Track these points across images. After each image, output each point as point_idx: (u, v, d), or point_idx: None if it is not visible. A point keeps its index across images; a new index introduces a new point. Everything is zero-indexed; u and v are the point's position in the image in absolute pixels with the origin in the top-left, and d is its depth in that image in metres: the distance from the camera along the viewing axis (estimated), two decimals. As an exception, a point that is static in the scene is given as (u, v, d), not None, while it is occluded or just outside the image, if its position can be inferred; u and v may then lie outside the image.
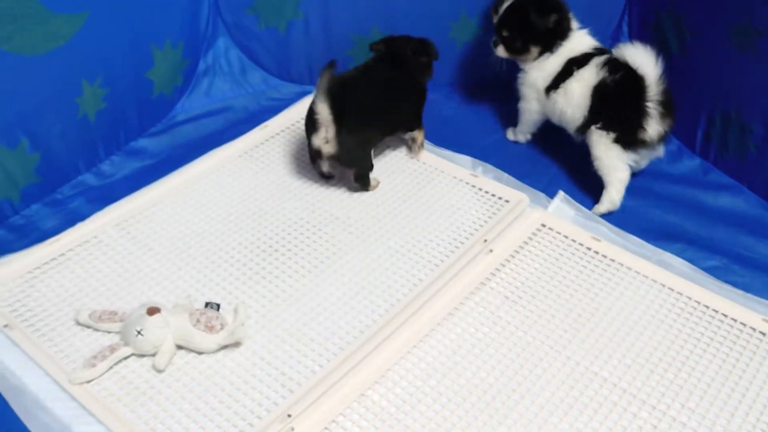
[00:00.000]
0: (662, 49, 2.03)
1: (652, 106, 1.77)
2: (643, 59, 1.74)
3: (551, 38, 1.92)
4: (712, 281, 1.67)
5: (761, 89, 1.83)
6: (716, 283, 1.67)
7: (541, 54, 1.95)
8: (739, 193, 1.96)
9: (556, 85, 1.92)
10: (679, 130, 2.12)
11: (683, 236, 1.82)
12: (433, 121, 2.18)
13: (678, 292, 1.62)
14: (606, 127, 1.83)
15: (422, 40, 1.98)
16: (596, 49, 1.91)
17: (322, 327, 1.53)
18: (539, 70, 1.96)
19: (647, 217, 1.89)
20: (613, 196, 1.86)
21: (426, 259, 1.70)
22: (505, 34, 1.96)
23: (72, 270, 1.65)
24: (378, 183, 1.90)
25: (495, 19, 1.98)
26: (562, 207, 1.87)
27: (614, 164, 1.85)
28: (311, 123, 1.77)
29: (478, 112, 2.26)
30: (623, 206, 1.91)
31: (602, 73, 1.82)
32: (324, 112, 1.73)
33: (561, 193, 1.89)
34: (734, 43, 1.86)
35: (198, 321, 1.45)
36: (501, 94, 2.22)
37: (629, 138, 1.81)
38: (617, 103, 1.81)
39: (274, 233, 1.76)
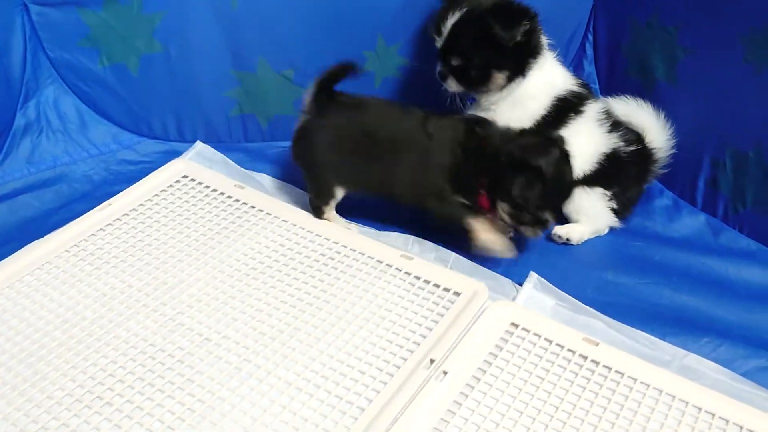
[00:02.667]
0: (643, 78, 1.56)
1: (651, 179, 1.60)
2: (654, 129, 1.54)
3: (521, 56, 1.42)
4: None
5: (796, 118, 1.34)
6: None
7: (510, 81, 1.43)
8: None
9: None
10: (672, 179, 1.63)
11: (710, 326, 1.32)
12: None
13: (721, 418, 1.10)
14: (614, 198, 1.52)
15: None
16: (578, 84, 1.52)
17: None
18: (515, 108, 1.46)
19: (653, 299, 1.39)
20: (586, 235, 1.53)
21: (344, 401, 1.11)
22: (455, 62, 1.44)
23: None
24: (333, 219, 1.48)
25: (438, 43, 1.45)
26: (536, 295, 1.35)
27: (603, 223, 1.54)
28: None
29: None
30: (619, 285, 1.41)
31: (615, 140, 1.50)
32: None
33: (533, 276, 1.37)
34: (749, 59, 1.37)
35: None
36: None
37: (628, 210, 1.56)
38: (626, 176, 1.53)
39: (106, 373, 1.13)
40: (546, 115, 1.47)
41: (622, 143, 1.49)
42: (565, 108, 1.47)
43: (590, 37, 1.72)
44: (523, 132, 1.39)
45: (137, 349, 1.18)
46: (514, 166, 1.31)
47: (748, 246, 1.50)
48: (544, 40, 1.47)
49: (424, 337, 1.22)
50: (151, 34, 1.61)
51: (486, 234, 1.39)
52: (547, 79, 1.47)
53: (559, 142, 1.36)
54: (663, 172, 1.59)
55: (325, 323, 1.24)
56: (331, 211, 1.48)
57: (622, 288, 1.40)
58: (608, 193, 1.51)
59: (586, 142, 1.47)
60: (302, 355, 1.17)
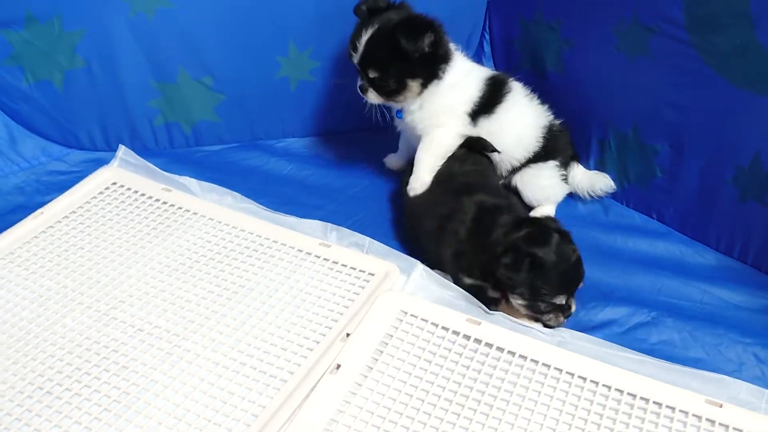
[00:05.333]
0: (535, 69, 1.72)
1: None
2: None
3: (432, 63, 1.52)
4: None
5: (662, 99, 1.50)
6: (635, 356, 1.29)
7: (425, 87, 1.53)
8: (651, 228, 1.63)
9: (487, 109, 1.59)
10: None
11: (597, 291, 1.47)
12: (269, 180, 1.78)
13: (592, 381, 1.21)
14: (562, 166, 1.67)
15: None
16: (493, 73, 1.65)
17: None
18: (445, 99, 1.56)
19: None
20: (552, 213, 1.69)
21: (268, 375, 1.22)
22: (372, 75, 1.52)
23: None
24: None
25: (355, 59, 1.52)
26: (422, 284, 1.42)
27: (561, 194, 1.71)
28: None
29: (327, 165, 1.82)
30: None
31: (548, 116, 1.66)
32: None
33: (420, 266, 1.44)
34: (622, 48, 1.53)
35: None
36: (353, 142, 1.81)
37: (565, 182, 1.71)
38: (562, 146, 1.68)
39: (45, 366, 1.22)
40: (482, 96, 1.57)
41: (551, 116, 1.65)
42: (496, 86, 1.59)
43: (487, 36, 1.87)
44: (522, 221, 1.39)
45: (74, 342, 1.26)
46: (513, 258, 1.31)
47: (633, 218, 1.66)
48: (452, 45, 1.56)
49: (341, 314, 1.33)
50: (74, 51, 1.68)
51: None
52: (465, 71, 1.58)
53: (555, 224, 1.38)
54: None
55: (249, 308, 1.34)
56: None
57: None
58: (557, 162, 1.65)
59: (528, 115, 1.62)
60: (228, 338, 1.28)
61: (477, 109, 1.58)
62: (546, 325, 1.37)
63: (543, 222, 1.42)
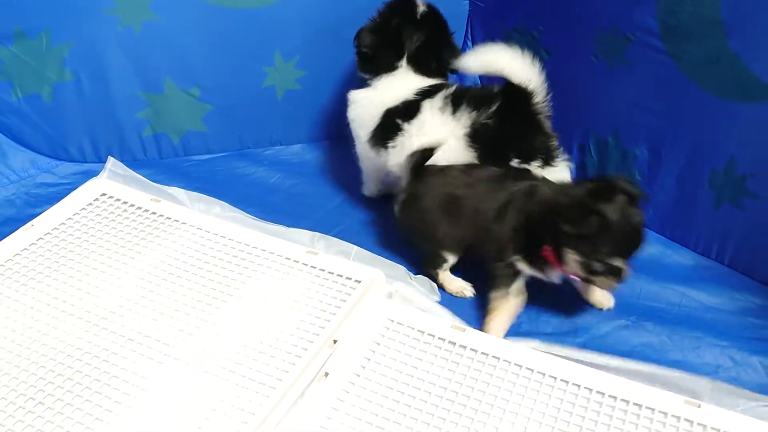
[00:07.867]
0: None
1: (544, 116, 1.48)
2: (515, 65, 1.46)
3: None
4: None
5: (640, 106, 1.54)
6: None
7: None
8: (630, 231, 1.65)
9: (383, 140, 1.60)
10: (549, 166, 1.80)
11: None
12: (257, 189, 1.80)
13: (562, 380, 1.24)
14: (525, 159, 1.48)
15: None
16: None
17: None
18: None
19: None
20: None
21: (257, 382, 1.24)
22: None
23: None
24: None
25: None
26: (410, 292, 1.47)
27: None
28: None
29: (314, 173, 1.85)
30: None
31: (467, 114, 1.49)
32: None
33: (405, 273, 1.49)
34: (601, 56, 1.56)
35: None
36: (340, 149, 1.83)
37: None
38: (517, 134, 1.48)
39: (37, 377, 1.24)
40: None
41: (476, 113, 1.48)
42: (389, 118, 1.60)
43: (469, 44, 1.90)
44: (581, 181, 1.40)
45: (65, 353, 1.28)
46: (577, 212, 1.27)
47: (614, 220, 1.69)
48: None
49: (329, 321, 1.36)
50: (62, 64, 1.70)
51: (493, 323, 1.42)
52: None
53: (623, 185, 1.29)
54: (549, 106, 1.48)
55: (238, 317, 1.37)
56: (445, 272, 1.54)
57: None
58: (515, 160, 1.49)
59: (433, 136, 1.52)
60: (218, 346, 1.30)
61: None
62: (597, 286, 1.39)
63: (610, 179, 1.32)
